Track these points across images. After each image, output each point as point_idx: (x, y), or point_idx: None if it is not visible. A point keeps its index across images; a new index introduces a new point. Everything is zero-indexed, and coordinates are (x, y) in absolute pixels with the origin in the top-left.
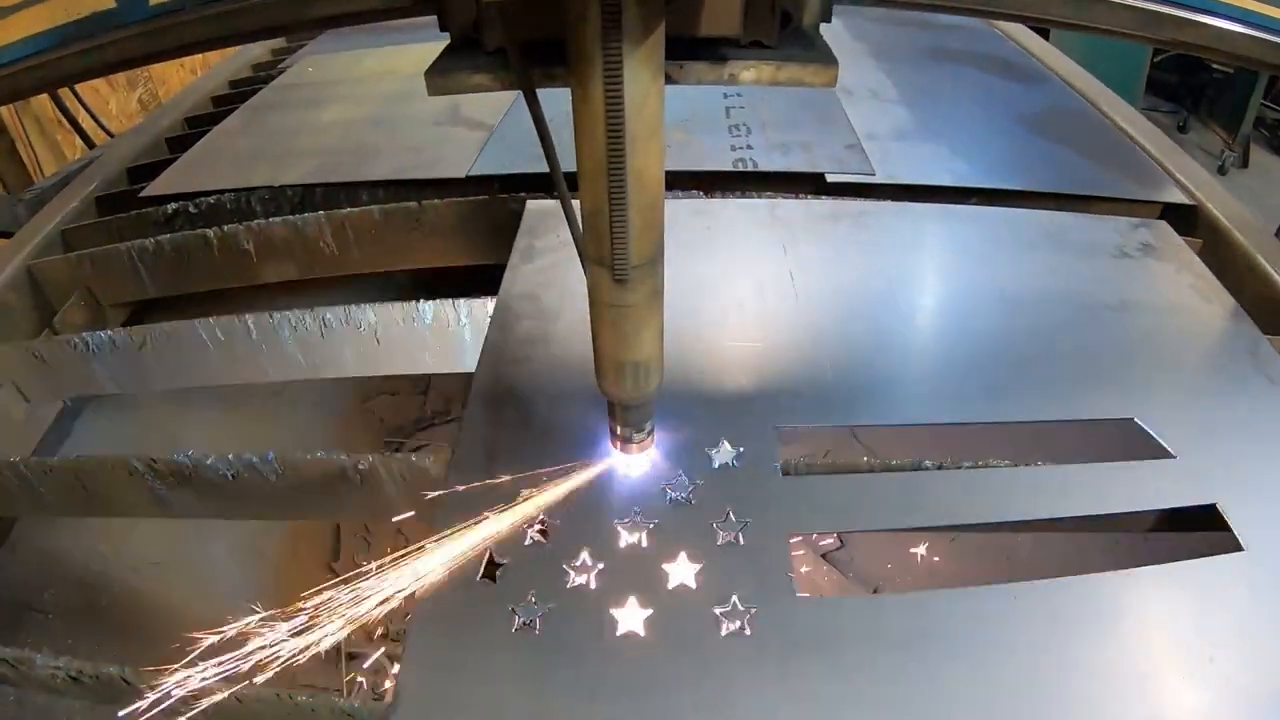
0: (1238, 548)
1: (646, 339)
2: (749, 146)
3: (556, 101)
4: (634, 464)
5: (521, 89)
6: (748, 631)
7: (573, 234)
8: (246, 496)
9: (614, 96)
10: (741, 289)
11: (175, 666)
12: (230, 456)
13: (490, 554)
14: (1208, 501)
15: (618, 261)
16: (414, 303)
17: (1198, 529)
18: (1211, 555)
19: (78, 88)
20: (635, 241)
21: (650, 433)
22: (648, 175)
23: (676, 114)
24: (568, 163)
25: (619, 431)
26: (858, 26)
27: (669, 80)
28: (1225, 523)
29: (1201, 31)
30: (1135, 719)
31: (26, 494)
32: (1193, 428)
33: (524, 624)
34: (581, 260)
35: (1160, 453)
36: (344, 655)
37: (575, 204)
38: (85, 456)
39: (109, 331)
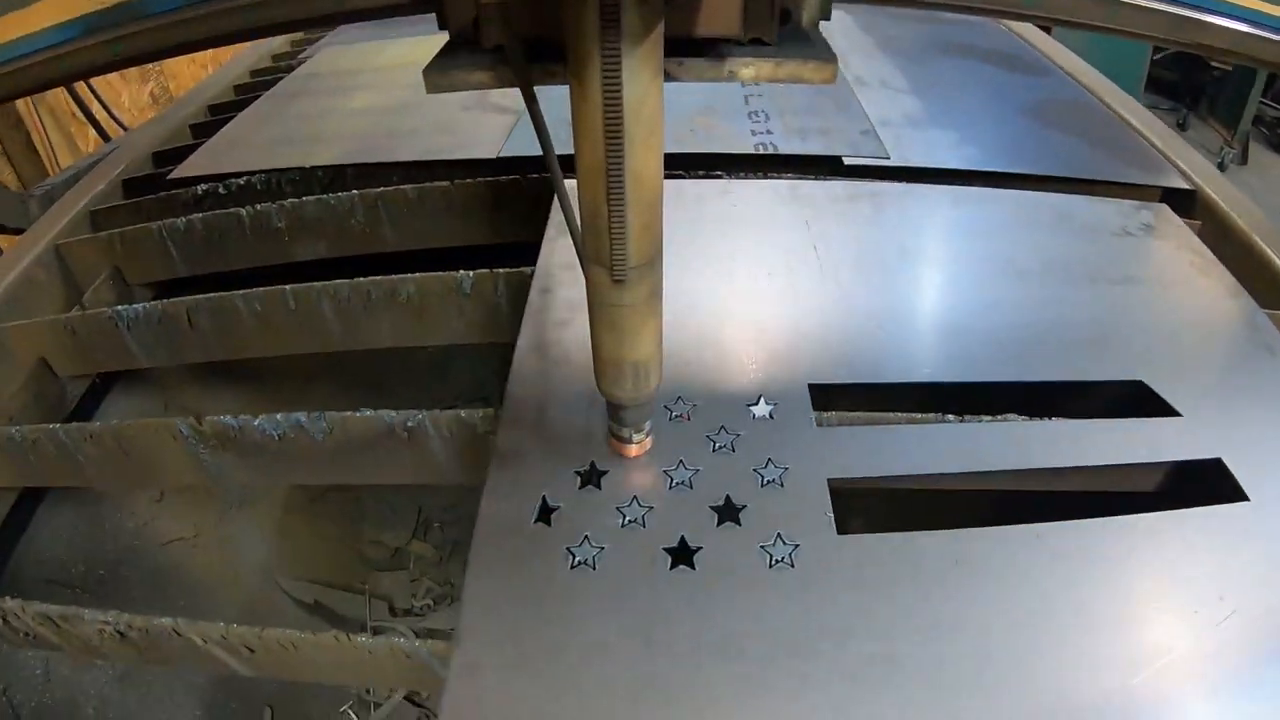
0: (1243, 498)
1: (645, 339)
2: (769, 132)
3: (557, 105)
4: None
5: (520, 87)
6: (792, 566)
7: (571, 234)
8: (293, 458)
9: (613, 95)
10: (770, 260)
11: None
12: (279, 416)
13: (544, 499)
14: (1214, 456)
15: (616, 261)
16: (454, 272)
17: (1205, 481)
18: (1218, 505)
19: (92, 81)
20: (634, 241)
21: (649, 433)
22: (647, 175)
23: (699, 102)
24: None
25: (618, 432)
26: (866, 20)
27: (668, 78)
28: (1231, 475)
29: (1224, 35)
30: (1149, 643)
31: (65, 462)
32: (1196, 390)
33: (580, 563)
34: (580, 260)
35: (1168, 411)
36: (370, 630)
37: (574, 202)
38: (128, 421)
39: (144, 305)
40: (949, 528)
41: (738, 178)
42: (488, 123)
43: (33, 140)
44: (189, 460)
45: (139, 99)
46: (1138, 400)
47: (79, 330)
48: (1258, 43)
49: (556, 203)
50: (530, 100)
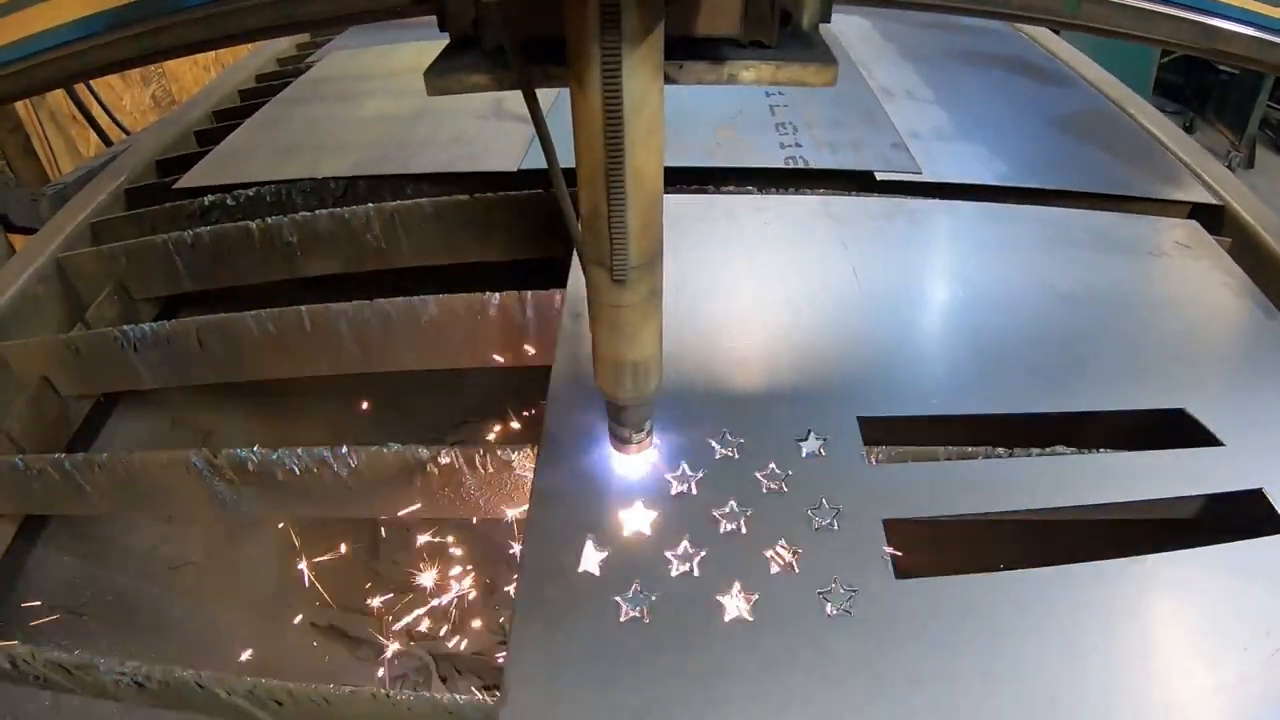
0: None
1: (645, 339)
2: (798, 144)
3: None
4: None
5: (521, 89)
6: (851, 613)
7: (571, 234)
8: (314, 493)
9: (613, 96)
10: (809, 284)
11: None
12: (300, 450)
13: (591, 543)
14: (1255, 486)
15: (616, 262)
16: (479, 294)
17: (1246, 512)
18: (1260, 537)
19: (93, 83)
20: (634, 242)
21: (649, 433)
22: (647, 175)
23: (724, 112)
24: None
25: (618, 432)
26: (887, 28)
27: (668, 80)
28: (1273, 506)
29: (1242, 42)
30: (1199, 684)
31: (70, 491)
32: (1237, 418)
33: (632, 614)
34: (580, 260)
35: (1210, 440)
36: (387, 656)
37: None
38: (138, 453)
39: (151, 325)
40: (996, 557)
41: (769, 192)
42: (505, 132)
43: (32, 144)
44: (202, 492)
45: (140, 102)
46: (1180, 428)
47: (83, 350)
48: (1270, 48)
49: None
50: (531, 101)
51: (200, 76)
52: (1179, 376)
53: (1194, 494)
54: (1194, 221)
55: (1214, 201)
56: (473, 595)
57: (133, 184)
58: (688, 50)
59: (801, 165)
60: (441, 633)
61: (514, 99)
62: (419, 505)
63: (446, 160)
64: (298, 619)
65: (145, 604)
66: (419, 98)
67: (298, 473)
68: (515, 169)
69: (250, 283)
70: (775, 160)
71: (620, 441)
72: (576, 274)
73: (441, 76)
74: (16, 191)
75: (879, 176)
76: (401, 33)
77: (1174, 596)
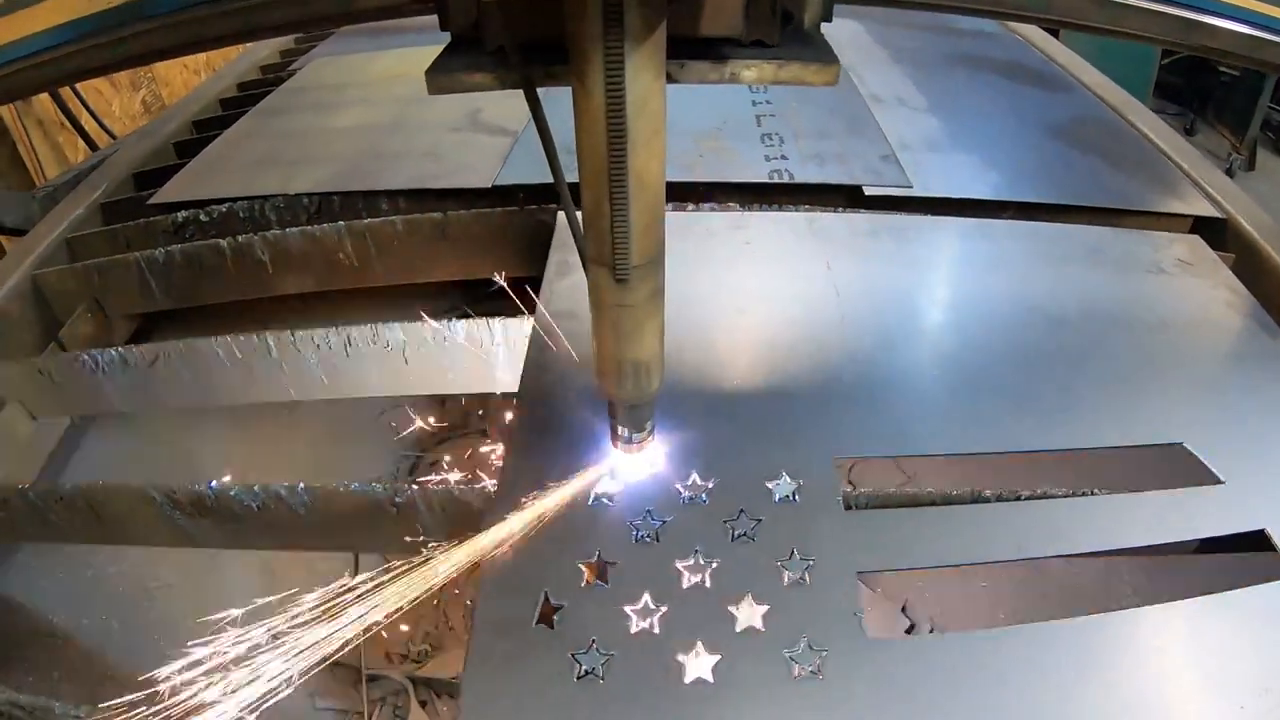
0: None
1: (647, 339)
2: (783, 156)
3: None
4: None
5: (522, 88)
6: (820, 675)
7: (573, 234)
8: (272, 527)
9: (615, 96)
10: (789, 308)
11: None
12: (256, 487)
13: (545, 596)
14: (1258, 527)
15: (619, 262)
16: (445, 321)
17: (1247, 554)
18: (1262, 582)
19: (80, 89)
20: (636, 242)
21: (650, 432)
22: (649, 175)
23: (708, 122)
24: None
25: (619, 431)
26: (879, 31)
27: (670, 79)
28: (1275, 547)
29: (1234, 39)
30: None
31: (35, 521)
32: (1238, 450)
33: (587, 672)
34: (582, 260)
35: (1209, 478)
36: (365, 678)
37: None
38: (98, 484)
39: (120, 349)
40: (983, 607)
41: (752, 209)
42: (480, 146)
43: (18, 151)
44: (164, 524)
45: (130, 107)
46: (1178, 465)
47: (54, 374)
48: (1270, 47)
49: (555, 240)
50: (533, 101)
51: (190, 80)
52: (1175, 406)
53: (1191, 538)
54: (1196, 236)
55: (1216, 214)
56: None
57: (109, 198)
58: (690, 50)
59: (787, 179)
60: (420, 657)
61: (491, 109)
62: (375, 539)
63: (420, 175)
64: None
65: (120, 627)
66: (395, 107)
67: (255, 509)
68: (489, 185)
69: (222, 301)
70: (760, 174)
71: (622, 441)
72: (546, 296)
73: (443, 75)
74: (7, 193)
75: (868, 192)
76: (385, 39)
77: (1167, 652)
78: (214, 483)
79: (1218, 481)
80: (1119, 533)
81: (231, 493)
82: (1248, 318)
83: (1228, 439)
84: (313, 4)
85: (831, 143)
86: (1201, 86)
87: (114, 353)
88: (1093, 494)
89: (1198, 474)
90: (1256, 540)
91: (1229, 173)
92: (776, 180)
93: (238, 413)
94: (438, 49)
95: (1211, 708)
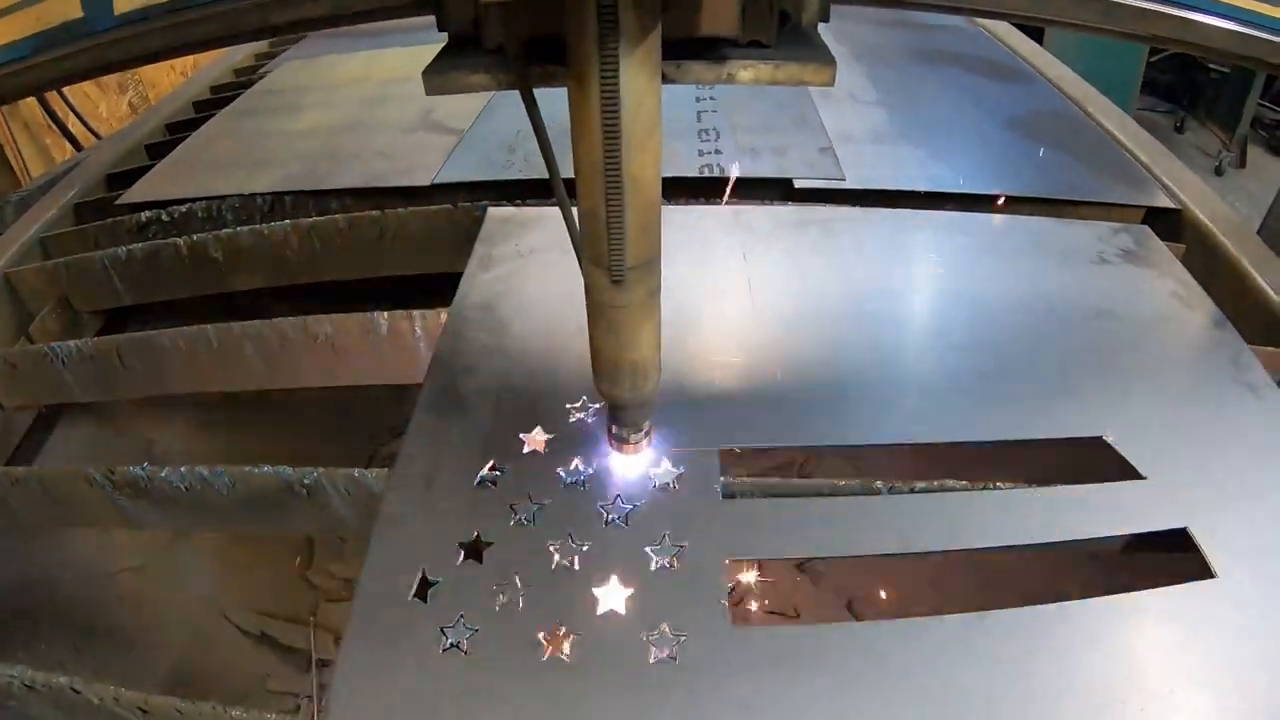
0: (1210, 574)
1: (644, 339)
2: (717, 151)
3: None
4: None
5: (519, 89)
6: (676, 659)
7: (570, 234)
8: (201, 509)
9: (610, 97)
10: (696, 301)
11: None
12: (183, 470)
13: (424, 572)
14: (1179, 525)
15: (614, 262)
16: (370, 314)
17: (1169, 553)
18: (1181, 582)
19: (66, 92)
20: (632, 242)
21: (648, 433)
22: (645, 176)
23: None
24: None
25: (616, 432)
26: (842, 28)
27: (666, 80)
28: (1197, 548)
29: (1222, 36)
30: None
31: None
32: (1166, 445)
33: (451, 645)
34: (579, 261)
35: (1130, 473)
36: (315, 663)
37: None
38: (49, 468)
39: (78, 342)
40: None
41: (679, 202)
42: (429, 145)
43: (4, 154)
44: (107, 506)
45: (117, 109)
46: (1099, 460)
47: (19, 365)
48: (1258, 44)
49: (481, 234)
50: (530, 102)
51: (177, 83)
52: (1105, 398)
53: (1104, 536)
54: (1144, 226)
55: (1170, 205)
56: None
57: (82, 198)
58: (686, 50)
59: (716, 174)
60: None
61: (442, 110)
62: (295, 521)
63: (369, 175)
64: (228, 627)
65: (80, 610)
66: (355, 108)
67: (184, 489)
68: (429, 183)
69: (183, 297)
70: (690, 169)
71: (619, 442)
72: (464, 289)
73: (441, 76)
74: None
75: (798, 184)
76: (356, 41)
77: (1066, 653)
78: (145, 465)
79: (1139, 477)
80: (1021, 528)
81: (162, 474)
82: (1191, 308)
83: (1156, 433)
84: (304, 7)
85: (770, 137)
86: (1191, 84)
87: (73, 345)
88: (995, 488)
89: (1118, 469)
90: (1179, 539)
91: (1218, 170)
92: (706, 175)
93: (201, 401)
94: (405, 50)
95: (1112, 711)
